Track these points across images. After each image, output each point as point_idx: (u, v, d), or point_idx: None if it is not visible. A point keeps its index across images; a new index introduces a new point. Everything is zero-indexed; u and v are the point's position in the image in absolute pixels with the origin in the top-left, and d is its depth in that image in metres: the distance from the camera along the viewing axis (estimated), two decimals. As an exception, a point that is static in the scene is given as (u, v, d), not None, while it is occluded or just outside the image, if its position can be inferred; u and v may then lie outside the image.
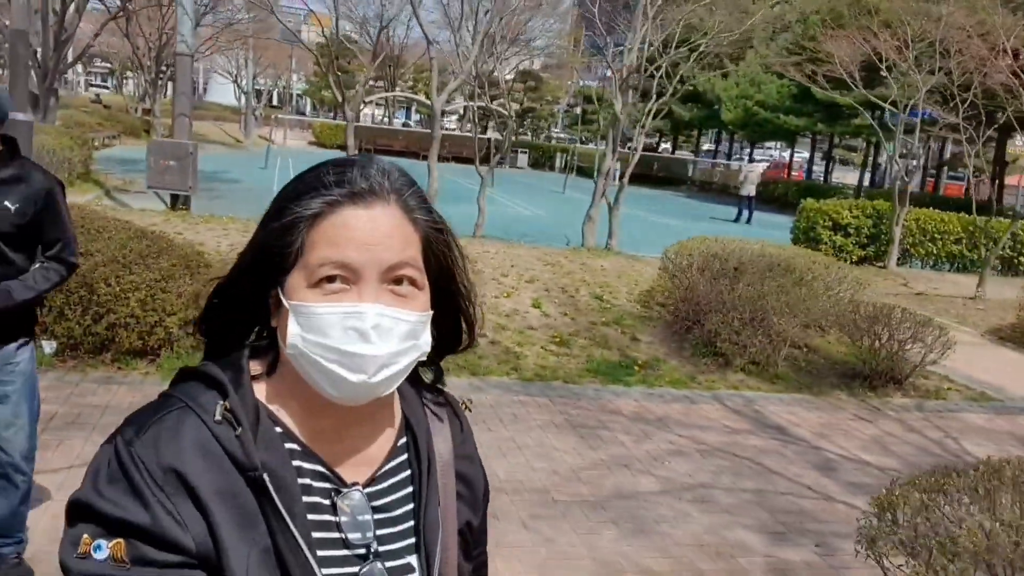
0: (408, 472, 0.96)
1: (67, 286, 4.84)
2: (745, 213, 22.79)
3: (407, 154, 33.95)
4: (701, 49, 12.20)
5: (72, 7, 14.81)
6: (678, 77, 12.15)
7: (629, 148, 13.18)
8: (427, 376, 1.05)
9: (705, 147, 52.51)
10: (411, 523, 0.94)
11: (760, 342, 6.99)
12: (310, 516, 0.86)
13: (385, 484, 0.93)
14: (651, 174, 36.57)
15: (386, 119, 52.08)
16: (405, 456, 0.97)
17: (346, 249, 0.84)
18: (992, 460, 2.99)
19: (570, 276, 9.05)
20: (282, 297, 0.87)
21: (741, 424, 5.93)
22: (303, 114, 60.97)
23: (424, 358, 0.91)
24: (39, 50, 14.45)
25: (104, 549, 0.78)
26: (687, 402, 6.30)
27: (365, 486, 0.92)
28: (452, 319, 0.97)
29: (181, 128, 10.74)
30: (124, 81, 51.54)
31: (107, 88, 59.58)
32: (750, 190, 22.76)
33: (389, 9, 28.28)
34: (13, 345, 2.91)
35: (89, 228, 5.61)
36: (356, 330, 0.83)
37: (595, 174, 13.38)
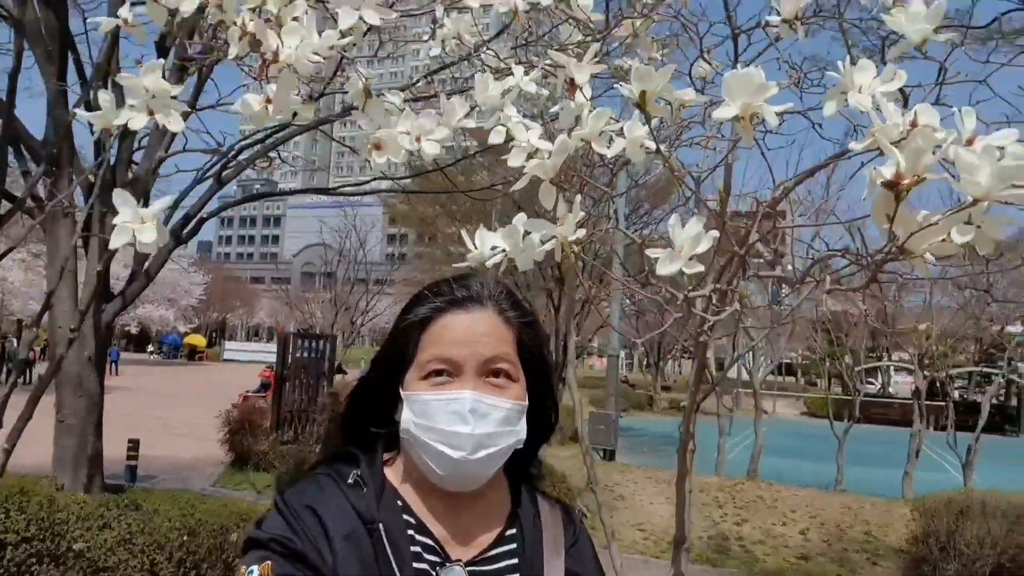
0: (515, 560, 1.07)
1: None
2: None
3: (902, 423, 34.27)
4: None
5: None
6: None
7: None
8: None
9: None
10: None
11: (952, 567, 8.73)
12: None
13: (491, 567, 1.05)
14: None
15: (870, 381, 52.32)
16: (514, 545, 1.08)
17: (449, 347, 1.04)
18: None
19: (856, 517, 11.26)
20: (401, 391, 1.07)
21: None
22: (814, 384, 63.77)
23: (520, 445, 1.07)
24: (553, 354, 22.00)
25: (256, 571, 0.94)
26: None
27: (470, 564, 1.04)
28: (545, 404, 1.13)
29: (610, 404, 16.16)
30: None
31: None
32: None
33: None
34: None
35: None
36: (456, 413, 1.01)
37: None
